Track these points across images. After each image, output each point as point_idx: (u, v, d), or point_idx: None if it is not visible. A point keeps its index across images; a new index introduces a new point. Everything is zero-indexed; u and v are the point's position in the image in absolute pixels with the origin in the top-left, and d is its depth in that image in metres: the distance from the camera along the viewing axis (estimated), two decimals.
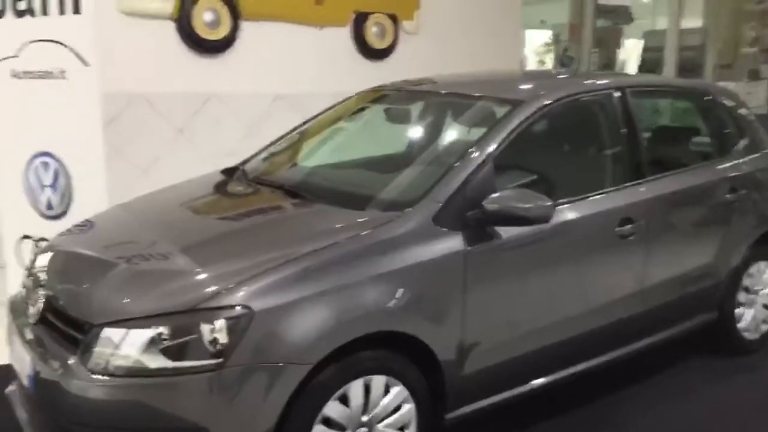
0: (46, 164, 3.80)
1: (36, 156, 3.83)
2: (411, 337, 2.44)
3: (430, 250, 2.50)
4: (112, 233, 2.85)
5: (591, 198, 3.03)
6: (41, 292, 2.56)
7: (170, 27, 4.64)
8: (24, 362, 2.45)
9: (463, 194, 2.60)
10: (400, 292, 2.41)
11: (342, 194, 2.89)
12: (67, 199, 3.78)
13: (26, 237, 3.92)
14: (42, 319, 2.49)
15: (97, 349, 2.18)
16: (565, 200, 2.90)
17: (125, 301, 2.29)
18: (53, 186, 3.81)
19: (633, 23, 12.39)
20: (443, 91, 3.57)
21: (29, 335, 2.50)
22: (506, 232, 2.66)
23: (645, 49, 11.09)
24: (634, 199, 3.14)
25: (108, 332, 2.18)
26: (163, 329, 2.14)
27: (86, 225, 2.99)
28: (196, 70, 4.78)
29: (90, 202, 3.55)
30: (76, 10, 3.53)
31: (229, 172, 3.36)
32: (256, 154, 3.54)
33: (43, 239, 3.66)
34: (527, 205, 2.57)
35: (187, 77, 4.73)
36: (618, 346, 3.20)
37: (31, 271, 2.73)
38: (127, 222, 2.95)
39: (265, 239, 2.55)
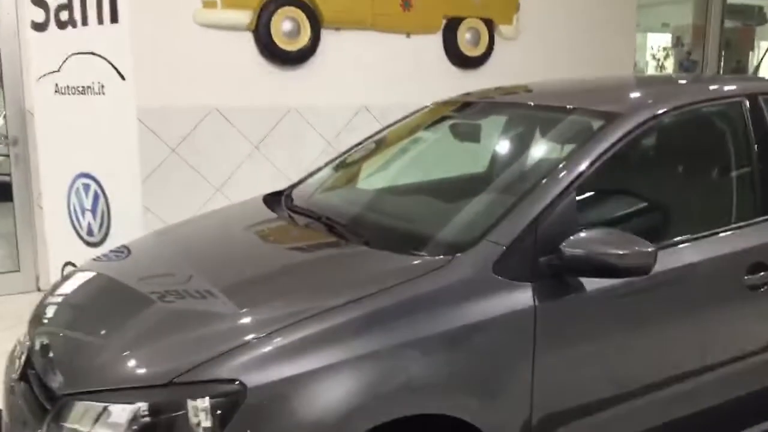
0: (87, 186, 3.52)
1: (78, 177, 3.56)
2: (457, 421, 1.87)
3: (486, 308, 1.91)
4: (108, 278, 2.40)
5: (709, 237, 2.33)
6: (28, 340, 2.20)
7: (247, 38, 4.45)
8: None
9: (535, 235, 2.00)
10: (441, 363, 1.85)
11: (383, 232, 2.35)
12: (106, 224, 3.48)
13: (70, 264, 3.66)
14: (22, 376, 2.12)
15: (68, 426, 1.76)
16: (673, 241, 2.24)
17: (102, 364, 1.86)
18: (93, 210, 3.52)
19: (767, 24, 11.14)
20: (529, 102, 2.96)
21: (11, 393, 2.14)
22: (591, 284, 2.04)
23: None
24: None
25: (81, 406, 1.75)
26: (142, 405, 1.69)
27: (107, 257, 2.62)
28: (273, 83, 4.58)
29: (127, 228, 3.23)
30: (114, 18, 3.22)
31: (274, 198, 2.90)
32: (308, 176, 3.08)
33: None
34: (621, 252, 1.94)
35: (264, 90, 4.51)
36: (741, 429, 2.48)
37: (36, 311, 2.37)
38: (128, 264, 2.52)
39: (280, 290, 2.03)
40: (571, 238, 1.97)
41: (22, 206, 4.48)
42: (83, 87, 3.41)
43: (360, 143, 3.11)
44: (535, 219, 2.01)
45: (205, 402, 1.65)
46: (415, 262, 2.01)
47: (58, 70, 3.43)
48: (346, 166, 3.07)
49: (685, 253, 2.24)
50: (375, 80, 4.90)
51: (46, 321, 2.24)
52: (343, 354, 1.74)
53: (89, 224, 3.59)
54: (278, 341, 1.75)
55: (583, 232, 1.99)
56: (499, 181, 2.49)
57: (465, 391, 1.88)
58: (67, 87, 3.46)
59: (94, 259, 2.65)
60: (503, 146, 2.83)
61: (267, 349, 1.73)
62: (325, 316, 1.80)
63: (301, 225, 2.52)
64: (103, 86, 3.34)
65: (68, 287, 2.40)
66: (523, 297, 1.96)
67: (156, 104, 3.90)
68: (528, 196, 2.08)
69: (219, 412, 1.65)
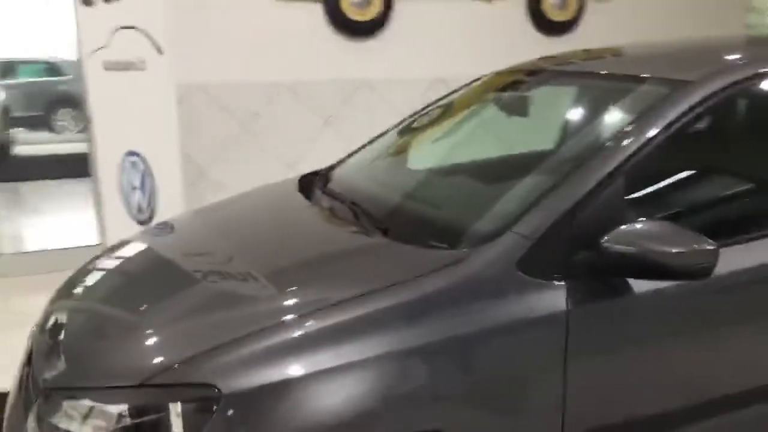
0: (134, 164, 3.47)
1: (127, 155, 3.51)
2: None
3: (508, 310, 1.66)
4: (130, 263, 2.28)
5: None
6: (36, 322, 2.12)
7: (315, 9, 4.31)
8: None
9: (570, 226, 1.70)
10: (451, 373, 1.61)
11: (404, 220, 2.11)
12: (153, 202, 3.42)
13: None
14: (29, 358, 2.03)
15: (53, 422, 1.63)
16: (742, 239, 1.88)
17: (95, 356, 1.74)
18: (142, 188, 3.47)
19: None
20: (595, 71, 2.59)
21: (19, 376, 2.07)
22: (636, 285, 1.73)
23: None
24: None
25: (68, 404, 1.62)
26: (123, 408, 1.55)
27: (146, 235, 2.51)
28: (343, 56, 4.41)
29: (174, 207, 3.15)
30: None
31: (308, 179, 2.71)
32: (349, 155, 2.86)
33: None
34: (675, 249, 1.62)
35: (334, 63, 4.35)
36: None
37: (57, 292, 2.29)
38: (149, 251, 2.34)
39: (274, 285, 1.84)
40: (615, 231, 1.66)
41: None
42: (127, 62, 3.34)
43: (413, 115, 2.85)
44: (572, 208, 1.72)
45: (177, 407, 1.50)
46: (430, 256, 1.77)
47: (106, 46, 3.38)
48: (390, 143, 2.83)
49: (754, 254, 1.87)
50: (452, 50, 4.66)
51: (59, 301, 2.15)
52: (330, 361, 1.54)
53: (138, 202, 3.55)
54: (261, 343, 1.56)
55: (628, 225, 1.68)
56: (542, 163, 2.18)
57: (479, 407, 1.64)
58: (114, 62, 3.40)
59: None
60: (554, 122, 2.49)
61: (248, 351, 1.55)
62: (315, 317, 1.60)
63: (325, 210, 2.32)
64: (144, 61, 3.25)
65: (91, 267, 2.30)
66: (553, 298, 1.68)
67: (216, 80, 3.84)
68: (566, 180, 1.78)
69: (191, 418, 1.49)
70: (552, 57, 2.77)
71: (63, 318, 2.01)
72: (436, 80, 4.66)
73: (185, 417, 1.49)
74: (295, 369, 1.52)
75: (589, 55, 2.69)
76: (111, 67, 3.37)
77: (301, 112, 4.51)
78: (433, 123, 2.80)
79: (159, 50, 3.14)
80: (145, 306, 1.87)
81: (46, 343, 1.90)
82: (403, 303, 1.62)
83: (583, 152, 1.92)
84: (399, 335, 1.59)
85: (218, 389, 1.49)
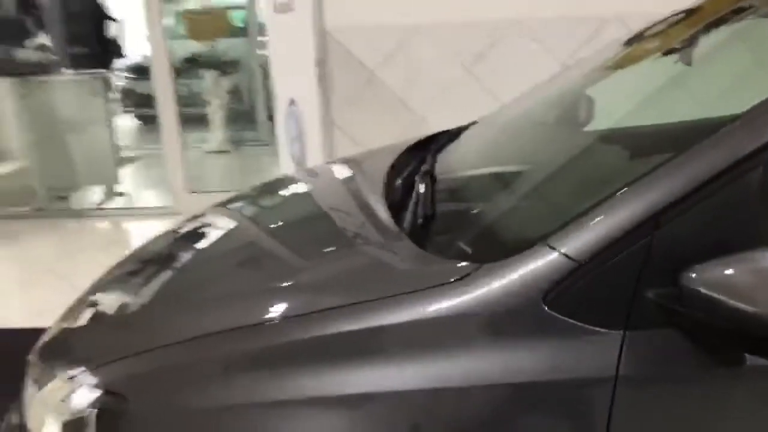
0: (293, 113, 3.31)
1: (289, 104, 3.35)
2: None
3: (519, 363, 1.12)
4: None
5: None
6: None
7: None
8: None
9: (648, 249, 1.10)
10: None
11: (438, 220, 1.55)
12: (305, 150, 3.23)
13: None
14: None
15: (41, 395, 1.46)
16: None
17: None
18: (299, 138, 3.31)
19: None
20: None
21: None
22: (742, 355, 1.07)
23: None
24: None
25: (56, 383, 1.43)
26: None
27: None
28: None
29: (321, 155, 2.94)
30: None
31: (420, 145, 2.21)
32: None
33: None
34: None
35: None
36: None
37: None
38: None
39: (252, 288, 1.47)
40: (708, 264, 1.03)
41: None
42: (281, 4, 3.15)
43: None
44: (651, 218, 1.10)
45: (85, 410, 1.28)
46: (433, 268, 1.29)
47: None
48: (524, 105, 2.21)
49: None
50: None
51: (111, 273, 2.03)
52: (248, 393, 1.18)
53: (295, 152, 3.41)
54: (169, 359, 1.27)
55: (734, 256, 1.03)
56: (644, 145, 1.48)
57: None
58: (277, 4, 3.23)
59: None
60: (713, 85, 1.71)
61: (159, 363, 1.27)
62: (257, 332, 1.25)
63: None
64: (294, 3, 3.03)
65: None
66: (599, 354, 1.10)
67: (346, 22, 3.48)
68: (652, 176, 1.15)
69: (96, 424, 1.26)
70: None
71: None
72: (610, 19, 3.73)
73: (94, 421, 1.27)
74: (216, 396, 1.20)
75: None
76: (276, 9, 3.22)
77: (438, 56, 3.97)
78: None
79: None
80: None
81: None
82: (360, 330, 1.18)
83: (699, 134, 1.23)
84: (343, 377, 1.16)
85: (123, 397, 1.24)
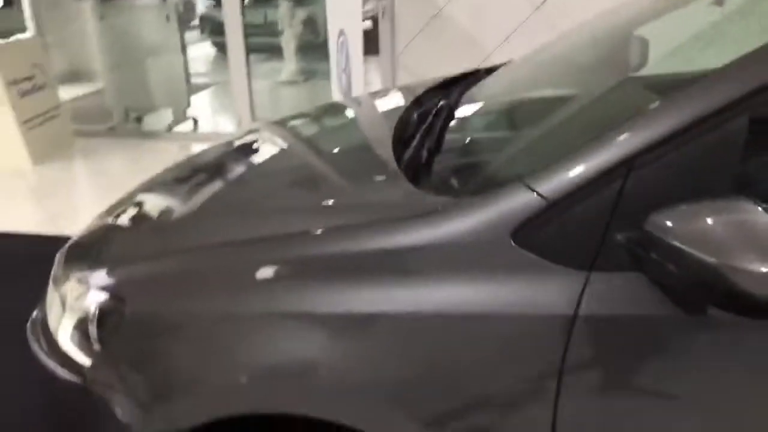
0: (343, 44, 3.30)
1: (338, 36, 3.35)
2: None
3: (481, 296, 1.15)
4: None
5: None
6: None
7: None
8: None
9: (620, 191, 1.10)
10: (391, 354, 1.19)
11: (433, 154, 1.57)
12: (351, 84, 3.24)
13: None
14: None
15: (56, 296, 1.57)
16: None
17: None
18: (346, 69, 3.31)
19: None
20: None
21: None
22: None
23: None
24: None
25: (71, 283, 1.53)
26: None
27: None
28: None
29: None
30: None
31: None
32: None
33: None
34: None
35: None
36: None
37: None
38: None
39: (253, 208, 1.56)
40: (671, 211, 1.03)
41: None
42: None
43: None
44: (624, 162, 1.10)
45: (91, 311, 1.40)
46: (411, 200, 1.32)
47: None
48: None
49: None
50: None
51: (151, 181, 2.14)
52: (234, 302, 1.26)
53: (343, 84, 3.43)
54: (175, 264, 1.36)
55: (695, 203, 1.02)
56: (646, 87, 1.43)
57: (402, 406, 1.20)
58: None
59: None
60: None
61: (160, 268, 1.37)
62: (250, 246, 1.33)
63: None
64: None
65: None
66: (558, 294, 1.12)
67: None
68: (629, 121, 1.13)
69: (101, 323, 1.38)
70: None
71: None
72: None
73: (99, 323, 1.39)
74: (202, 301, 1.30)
75: None
76: None
77: None
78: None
79: None
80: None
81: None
82: (321, 256, 1.24)
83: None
84: (310, 294, 1.22)
85: (123, 301, 1.35)
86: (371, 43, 4.36)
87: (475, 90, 2.00)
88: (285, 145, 1.99)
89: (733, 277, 0.96)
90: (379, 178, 1.52)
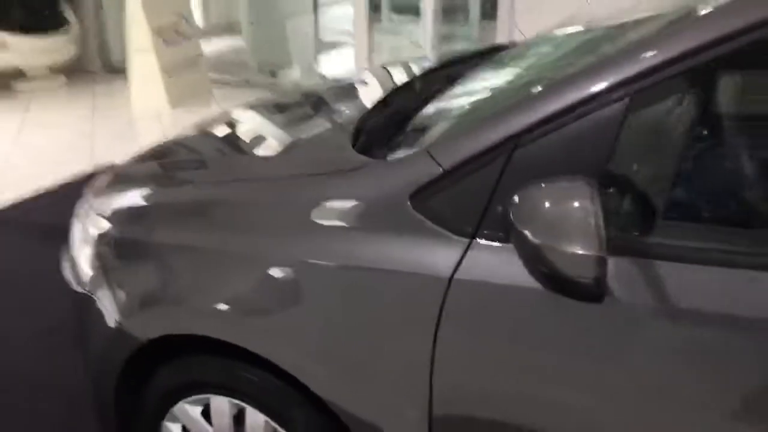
0: None
1: None
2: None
3: (374, 252, 1.25)
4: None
5: None
6: None
7: None
8: None
9: (504, 164, 1.15)
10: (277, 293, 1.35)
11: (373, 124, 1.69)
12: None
13: None
14: None
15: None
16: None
17: None
18: None
19: None
20: None
21: None
22: None
23: None
24: None
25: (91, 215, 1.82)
26: None
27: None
28: None
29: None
30: None
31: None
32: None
33: None
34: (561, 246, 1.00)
35: None
36: None
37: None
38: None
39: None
40: (528, 189, 1.08)
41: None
42: None
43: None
44: (512, 138, 1.15)
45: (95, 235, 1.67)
46: (341, 159, 1.44)
47: None
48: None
49: None
50: None
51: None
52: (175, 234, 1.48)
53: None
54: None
55: (543, 181, 1.06)
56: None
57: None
58: None
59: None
60: None
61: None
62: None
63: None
64: None
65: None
66: (439, 258, 1.20)
67: None
68: (522, 97, 1.18)
69: (97, 244, 1.66)
70: None
71: None
72: None
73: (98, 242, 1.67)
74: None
75: None
76: None
77: None
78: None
79: None
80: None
81: None
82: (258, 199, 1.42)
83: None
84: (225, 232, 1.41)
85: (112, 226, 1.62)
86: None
87: (452, 70, 2.03)
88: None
89: (551, 257, 1.00)
90: (338, 137, 1.63)
